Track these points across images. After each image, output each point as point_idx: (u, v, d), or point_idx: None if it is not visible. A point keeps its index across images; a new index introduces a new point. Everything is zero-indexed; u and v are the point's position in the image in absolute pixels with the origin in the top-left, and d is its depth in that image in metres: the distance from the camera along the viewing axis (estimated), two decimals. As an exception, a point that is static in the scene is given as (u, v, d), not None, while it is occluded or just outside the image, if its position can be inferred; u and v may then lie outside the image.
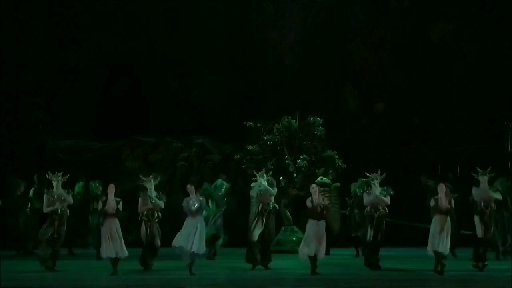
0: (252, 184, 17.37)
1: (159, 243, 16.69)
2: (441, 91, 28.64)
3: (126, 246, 16.09)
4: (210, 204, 19.11)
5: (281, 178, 21.06)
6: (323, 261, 15.92)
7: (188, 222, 15.57)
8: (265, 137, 22.53)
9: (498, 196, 16.69)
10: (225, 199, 19.87)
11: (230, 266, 17.69)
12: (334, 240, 20.15)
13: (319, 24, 30.29)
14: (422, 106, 28.75)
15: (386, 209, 16.52)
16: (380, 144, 27.45)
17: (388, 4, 29.96)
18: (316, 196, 15.78)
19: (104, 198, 16.12)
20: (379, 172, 16.70)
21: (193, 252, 15.38)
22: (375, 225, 16.38)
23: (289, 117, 22.70)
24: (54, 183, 16.73)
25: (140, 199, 16.70)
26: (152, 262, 16.83)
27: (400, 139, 27.44)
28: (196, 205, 15.60)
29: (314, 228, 15.58)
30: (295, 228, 21.33)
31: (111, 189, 16.06)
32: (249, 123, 22.75)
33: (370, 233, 16.42)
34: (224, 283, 15.11)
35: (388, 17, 29.97)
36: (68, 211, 16.80)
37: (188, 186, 16.04)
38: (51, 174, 16.83)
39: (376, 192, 16.47)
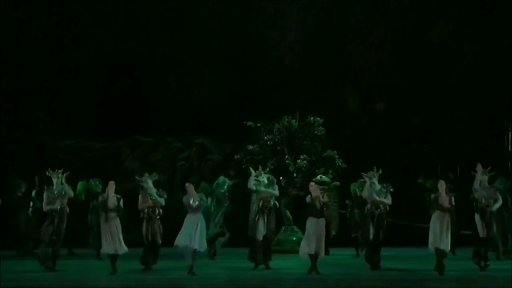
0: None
1: (159, 241, 16.69)
2: (441, 91, 28.64)
3: (126, 246, 16.08)
4: (209, 202, 19.11)
5: (281, 178, 21.06)
6: (323, 261, 15.92)
7: (188, 220, 15.57)
8: (265, 137, 22.53)
9: (498, 203, 16.62)
10: (226, 194, 19.89)
11: (230, 266, 17.69)
12: (334, 240, 20.17)
13: (319, 24, 30.30)
14: (422, 106, 28.75)
15: (387, 206, 16.52)
16: (380, 144, 27.45)
17: (388, 4, 29.97)
18: (316, 194, 15.76)
19: (104, 194, 16.13)
20: (375, 169, 16.72)
21: (195, 250, 15.39)
22: (376, 222, 16.38)
23: (289, 117, 22.71)
24: (54, 180, 16.76)
25: (140, 196, 16.72)
26: (154, 262, 16.81)
27: (400, 139, 27.44)
28: (196, 202, 15.63)
29: (314, 226, 15.58)
30: (295, 228, 21.33)
31: (111, 186, 16.08)
32: (249, 123, 22.77)
33: (372, 231, 16.41)
34: (224, 283, 15.10)
35: (388, 17, 29.98)
36: (67, 208, 16.81)
37: (187, 184, 16.05)
38: (51, 171, 16.86)
39: (376, 189, 16.49)
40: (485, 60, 28.24)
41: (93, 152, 27.45)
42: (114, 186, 16.10)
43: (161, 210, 16.72)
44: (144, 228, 16.68)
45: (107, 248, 15.85)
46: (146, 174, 16.95)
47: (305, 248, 15.57)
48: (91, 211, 20.43)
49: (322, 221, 15.72)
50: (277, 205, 17.57)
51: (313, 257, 15.56)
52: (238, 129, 23.50)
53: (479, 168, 16.35)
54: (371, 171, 16.76)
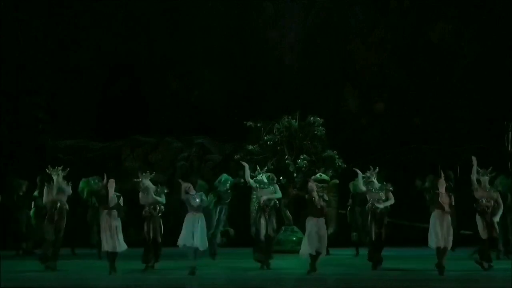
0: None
1: (159, 239, 16.69)
2: (441, 91, 28.64)
3: (127, 246, 16.08)
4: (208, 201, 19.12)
5: (281, 178, 21.06)
6: (323, 261, 15.91)
7: (188, 220, 15.57)
8: (265, 137, 22.54)
9: (500, 210, 16.59)
10: (229, 191, 19.91)
11: (230, 266, 17.69)
12: (334, 240, 20.16)
13: (319, 24, 30.30)
14: (422, 106, 28.75)
15: (388, 206, 16.52)
16: (380, 144, 27.45)
17: (388, 4, 29.97)
18: (315, 193, 15.75)
19: (103, 190, 16.14)
20: (372, 169, 16.75)
21: (197, 248, 15.41)
22: (377, 221, 16.38)
23: (289, 117, 22.72)
24: (54, 177, 16.79)
25: (140, 193, 16.73)
26: (155, 260, 16.81)
27: (400, 139, 27.44)
28: (197, 200, 15.64)
29: (315, 225, 15.55)
30: (295, 228, 21.33)
31: (111, 184, 16.09)
32: (249, 123, 22.78)
33: (374, 229, 16.40)
34: (224, 283, 15.10)
35: (388, 17, 29.98)
36: (67, 205, 16.83)
37: (186, 184, 16.04)
38: (51, 169, 16.89)
39: (375, 187, 16.51)
40: (485, 60, 28.23)
41: (93, 152, 27.45)
42: (114, 184, 16.11)
43: (162, 207, 16.73)
44: (145, 227, 16.69)
45: (105, 245, 15.86)
46: (143, 174, 16.95)
47: (307, 249, 15.53)
48: (91, 209, 20.46)
49: (322, 220, 15.71)
50: (277, 204, 17.58)
51: (314, 257, 15.54)
52: (238, 129, 23.51)
53: (474, 161, 16.31)
54: (368, 171, 16.80)
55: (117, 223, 15.90)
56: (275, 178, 17.80)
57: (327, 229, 15.99)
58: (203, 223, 15.66)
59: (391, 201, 16.54)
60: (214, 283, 15.13)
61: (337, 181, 22.30)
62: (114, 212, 15.91)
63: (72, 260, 19.02)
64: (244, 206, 21.46)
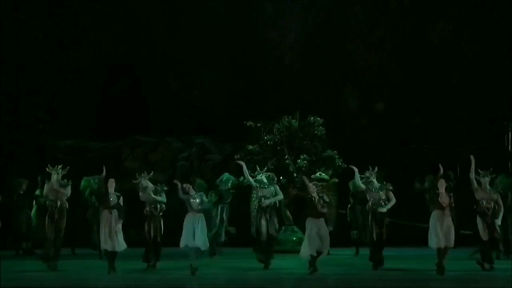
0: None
1: (159, 238, 16.69)
2: (441, 91, 28.64)
3: (127, 246, 16.08)
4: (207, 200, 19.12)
5: (281, 178, 21.06)
6: (323, 261, 15.90)
7: (188, 220, 15.57)
8: (265, 137, 22.55)
9: (501, 213, 16.59)
10: (230, 191, 19.91)
11: (230, 266, 17.69)
12: (334, 240, 20.14)
13: (319, 24, 30.29)
14: (422, 106, 28.75)
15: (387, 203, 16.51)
16: (380, 144, 27.44)
17: (388, 4, 29.96)
18: (315, 194, 15.74)
19: (104, 190, 16.15)
20: (370, 169, 16.75)
21: (199, 248, 15.43)
22: (378, 220, 16.37)
23: (289, 117, 22.72)
24: (54, 176, 16.79)
25: (140, 192, 16.75)
26: (156, 259, 16.80)
27: (400, 139, 27.44)
28: (197, 201, 15.64)
29: (315, 227, 15.53)
30: (295, 228, 21.32)
31: (111, 183, 16.10)
32: (249, 123, 22.78)
33: (374, 230, 16.39)
34: (224, 283, 15.11)
35: (388, 17, 29.97)
36: (67, 204, 16.84)
37: (185, 185, 16.04)
38: (51, 167, 16.90)
39: (375, 187, 16.52)
40: (485, 60, 28.23)
41: (93, 152, 27.44)
42: (114, 184, 16.11)
43: (163, 206, 16.72)
44: (146, 226, 16.68)
45: (104, 244, 15.83)
46: (141, 175, 16.95)
47: (307, 250, 15.49)
48: (91, 208, 20.46)
49: (322, 220, 15.69)
50: (277, 204, 17.57)
51: (314, 257, 15.51)
52: (238, 129, 23.51)
53: (473, 160, 16.30)
54: (367, 171, 16.80)
55: (117, 222, 15.89)
56: (275, 178, 17.79)
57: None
58: (203, 223, 15.67)
59: (393, 201, 16.53)
60: (214, 283, 15.13)
61: (337, 180, 22.30)
62: (114, 212, 15.92)
63: (72, 260, 19.01)
64: (244, 206, 21.45)
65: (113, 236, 15.76)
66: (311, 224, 15.57)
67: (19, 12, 28.51)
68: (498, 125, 25.61)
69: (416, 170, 22.95)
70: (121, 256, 16.18)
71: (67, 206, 16.86)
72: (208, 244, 15.97)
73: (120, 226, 15.93)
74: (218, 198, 19.68)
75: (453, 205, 15.79)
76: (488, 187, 16.43)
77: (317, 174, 21.35)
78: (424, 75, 28.99)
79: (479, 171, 16.49)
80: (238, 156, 22.37)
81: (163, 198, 16.69)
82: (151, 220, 16.64)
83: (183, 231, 15.53)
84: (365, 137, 28.50)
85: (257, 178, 17.22)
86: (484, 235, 16.25)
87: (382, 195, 16.54)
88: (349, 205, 21.19)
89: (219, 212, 19.64)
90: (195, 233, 15.44)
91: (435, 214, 15.50)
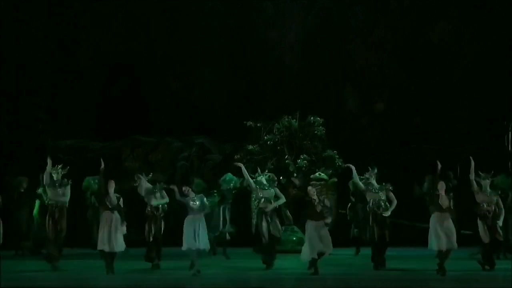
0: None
1: (160, 238, 16.69)
2: (441, 91, 28.63)
3: (127, 246, 16.07)
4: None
5: (281, 178, 21.06)
6: (323, 261, 15.88)
7: (188, 222, 15.54)
8: (265, 137, 22.55)
9: (502, 216, 16.58)
10: (233, 191, 19.92)
11: (230, 266, 17.69)
12: (334, 240, 20.12)
13: (319, 24, 30.29)
14: (422, 106, 28.74)
15: (388, 205, 16.50)
16: (380, 144, 27.44)
17: (388, 4, 29.96)
18: (315, 197, 15.72)
19: (104, 191, 16.13)
20: (370, 170, 16.75)
21: (201, 249, 15.42)
22: (379, 222, 16.36)
23: (289, 117, 22.72)
24: (54, 176, 16.78)
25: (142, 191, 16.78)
26: (158, 261, 16.80)
27: (400, 139, 27.43)
28: (197, 203, 15.61)
29: (314, 229, 15.50)
30: (295, 228, 21.32)
31: (111, 184, 16.08)
32: (249, 123, 22.79)
33: (376, 231, 16.38)
34: (225, 283, 15.11)
35: (388, 17, 29.97)
36: (67, 203, 16.84)
37: (184, 188, 16.03)
38: (51, 167, 16.89)
39: (375, 187, 16.52)
40: (485, 60, 28.23)
41: (93, 152, 27.43)
42: (114, 185, 16.09)
43: (166, 206, 16.71)
44: (146, 226, 16.67)
45: (101, 244, 15.78)
46: (140, 177, 16.93)
47: (308, 253, 15.45)
48: (91, 209, 20.45)
49: (322, 223, 15.65)
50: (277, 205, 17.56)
51: (315, 260, 15.47)
52: (238, 129, 23.51)
53: (472, 161, 16.30)
54: (367, 172, 16.81)
55: (117, 223, 15.85)
56: (275, 179, 17.77)
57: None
58: (203, 225, 15.63)
59: (395, 202, 16.52)
60: (215, 283, 15.14)
61: (336, 180, 22.30)
62: (115, 213, 15.88)
63: (72, 260, 19.00)
64: (244, 206, 21.45)
65: (112, 237, 15.70)
66: (310, 226, 15.54)
67: (19, 12, 28.52)
68: (498, 125, 25.59)
69: (416, 170, 22.95)
70: (121, 256, 16.17)
71: (67, 205, 16.85)
72: (209, 244, 15.94)
73: (124, 228, 15.89)
74: (220, 198, 19.68)
75: (452, 207, 15.76)
76: (488, 189, 16.43)
77: (316, 174, 21.36)
78: (424, 75, 28.99)
79: (480, 173, 16.48)
80: (238, 156, 22.39)
81: (165, 199, 16.66)
82: (152, 220, 16.64)
83: (184, 234, 15.50)
84: (365, 137, 28.49)
85: (257, 179, 17.20)
86: (485, 237, 16.24)
87: (382, 195, 16.53)
88: (350, 204, 21.18)
89: (221, 212, 19.64)
90: (195, 235, 15.42)
91: (435, 216, 15.48)
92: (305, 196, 15.96)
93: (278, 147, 22.41)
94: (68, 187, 16.87)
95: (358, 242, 20.57)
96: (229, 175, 20.16)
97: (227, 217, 19.82)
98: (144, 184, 16.86)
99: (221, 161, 26.65)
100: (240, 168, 17.32)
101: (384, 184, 16.64)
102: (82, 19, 29.87)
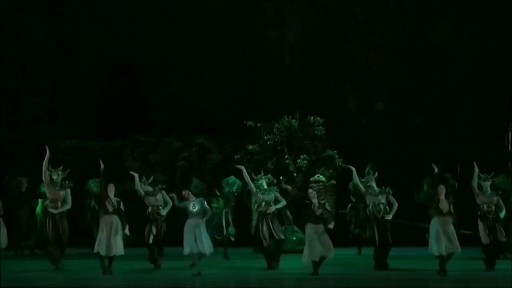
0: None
1: (160, 240, 16.69)
2: (441, 91, 28.64)
3: (127, 247, 16.06)
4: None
5: (281, 177, 21.06)
6: (325, 262, 15.86)
7: (188, 226, 15.49)
8: (265, 137, 22.55)
9: (503, 212, 16.58)
10: (235, 195, 19.91)
11: (231, 266, 17.69)
12: (334, 240, 20.13)
13: (319, 24, 30.31)
14: (422, 106, 28.75)
15: (388, 208, 16.50)
16: (380, 144, 27.45)
17: (388, 4, 29.98)
18: (315, 200, 15.70)
19: (104, 192, 16.09)
20: (371, 173, 16.74)
21: (203, 253, 15.40)
22: (380, 225, 16.35)
23: (289, 116, 22.72)
24: (54, 178, 16.73)
25: (144, 198, 16.76)
26: (160, 261, 16.81)
27: (400, 139, 27.44)
28: (196, 208, 15.57)
29: (314, 233, 15.47)
30: (295, 228, 21.31)
31: (111, 188, 16.04)
32: (249, 123, 22.80)
33: (377, 234, 16.37)
34: (225, 282, 15.11)
35: (388, 17, 29.99)
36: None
37: (184, 192, 16.00)
38: (51, 169, 16.85)
39: (375, 191, 16.52)
40: (485, 60, 28.23)
41: (93, 152, 27.44)
42: (113, 189, 16.04)
43: (169, 206, 16.67)
44: (147, 228, 16.65)
45: (97, 246, 15.74)
46: (141, 180, 16.91)
47: (309, 256, 15.43)
48: (90, 211, 20.43)
49: (321, 226, 15.61)
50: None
51: (317, 263, 15.45)
52: (238, 129, 23.52)
53: (476, 168, 16.32)
54: (367, 175, 16.81)
55: (118, 227, 15.79)
56: (275, 182, 17.75)
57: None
58: (204, 228, 15.59)
59: (395, 206, 16.51)
60: (215, 283, 15.13)
61: (334, 182, 22.29)
62: (115, 217, 15.83)
63: (73, 260, 18.99)
64: (244, 206, 21.45)
65: (111, 241, 15.62)
66: (310, 229, 15.51)
67: (19, 12, 28.54)
68: (498, 125, 25.60)
69: (416, 170, 22.95)
70: (121, 256, 16.14)
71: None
72: (212, 248, 15.86)
73: (120, 230, 15.81)
74: (224, 202, 19.69)
75: (452, 211, 15.74)
76: (489, 190, 16.43)
77: (316, 176, 21.35)
78: (424, 75, 29.00)
79: (480, 174, 16.48)
80: (238, 156, 22.40)
81: (169, 204, 16.60)
82: (153, 223, 16.62)
83: (185, 239, 15.45)
84: (365, 137, 28.50)
85: (257, 182, 17.17)
86: (485, 239, 16.23)
87: (382, 199, 16.52)
88: (350, 204, 21.17)
89: (223, 216, 19.64)
90: (196, 238, 15.39)
91: (435, 220, 15.42)
92: (305, 197, 15.94)
93: (278, 147, 22.41)
94: (69, 192, 16.77)
95: (359, 242, 20.55)
96: (232, 178, 20.14)
97: (230, 220, 19.81)
98: (145, 188, 16.82)
99: (221, 161, 26.66)
100: (240, 169, 17.30)
101: (384, 187, 16.62)
102: (82, 19, 29.89)
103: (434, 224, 15.41)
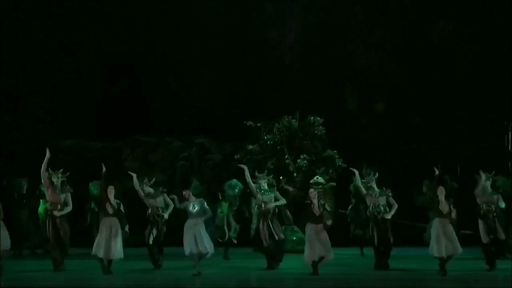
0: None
1: (161, 240, 16.71)
2: (441, 91, 28.64)
3: (127, 247, 16.06)
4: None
5: (281, 177, 21.06)
6: (324, 262, 15.86)
7: (188, 227, 15.49)
8: (265, 137, 22.55)
9: (502, 204, 16.60)
10: (237, 198, 19.91)
11: (231, 266, 17.70)
12: (334, 240, 20.12)
13: (319, 24, 30.31)
14: (422, 106, 28.75)
15: (388, 209, 16.51)
16: (380, 144, 27.45)
17: (388, 4, 29.98)
18: (315, 201, 15.70)
19: (104, 194, 16.08)
20: (372, 173, 16.75)
21: (204, 253, 15.39)
22: (380, 226, 16.34)
23: (289, 116, 22.72)
24: (54, 180, 16.70)
25: (144, 199, 16.74)
26: (161, 261, 16.81)
27: (400, 139, 27.44)
28: (196, 208, 15.57)
29: (313, 233, 15.47)
30: (295, 228, 21.31)
31: (111, 190, 16.03)
32: (249, 123, 22.80)
33: (376, 235, 16.36)
34: (225, 282, 15.11)
35: (388, 17, 29.98)
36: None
37: (184, 192, 16.00)
38: (51, 172, 16.82)
39: (375, 192, 16.52)
40: (485, 60, 28.23)
41: (93, 152, 27.45)
42: (113, 191, 16.02)
43: (171, 208, 16.66)
44: (148, 229, 16.64)
45: (96, 249, 15.72)
46: (143, 181, 16.90)
47: (310, 256, 15.44)
48: (90, 213, 20.43)
49: (321, 226, 15.62)
50: (277, 209, 17.53)
51: (316, 262, 15.46)
52: (238, 129, 23.51)
53: (481, 174, 16.32)
54: (368, 176, 16.81)
55: (117, 230, 15.78)
56: (275, 184, 17.74)
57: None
58: (203, 228, 15.59)
59: (395, 207, 16.52)
60: (215, 283, 15.13)
61: (334, 184, 22.28)
62: (114, 219, 15.82)
63: (72, 260, 18.98)
64: (244, 206, 21.44)
65: (111, 243, 15.60)
66: (310, 229, 15.52)
67: (19, 12, 28.53)
68: (498, 125, 25.59)
69: (416, 170, 22.96)
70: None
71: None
72: (213, 248, 15.83)
73: (119, 233, 15.79)
74: (228, 205, 19.72)
75: (451, 211, 15.74)
76: (489, 189, 16.43)
77: (315, 178, 21.36)
78: (424, 75, 28.99)
79: (481, 173, 16.48)
80: (238, 156, 22.40)
81: (170, 206, 16.58)
82: (153, 224, 16.61)
83: (185, 239, 15.45)
84: (365, 137, 28.50)
85: (257, 181, 17.15)
86: (485, 238, 16.24)
87: (382, 200, 16.53)
88: (351, 206, 21.15)
89: (225, 220, 19.65)
90: (196, 239, 15.39)
91: (436, 222, 15.44)
92: (305, 197, 15.94)
93: (278, 147, 22.41)
94: (69, 195, 16.73)
95: (362, 243, 20.52)
96: (234, 181, 20.15)
97: (231, 222, 19.81)
98: (147, 189, 16.81)
99: (221, 161, 26.66)
100: (240, 168, 17.29)
101: (384, 189, 16.63)
102: (82, 19, 29.88)
103: (434, 225, 15.43)
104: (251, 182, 17.02)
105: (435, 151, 25.84)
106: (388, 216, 16.39)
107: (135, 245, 18.13)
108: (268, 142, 22.43)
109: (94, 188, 20.43)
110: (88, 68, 29.90)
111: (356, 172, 16.86)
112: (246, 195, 19.99)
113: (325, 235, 15.49)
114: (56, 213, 16.40)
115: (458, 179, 20.78)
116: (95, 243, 15.71)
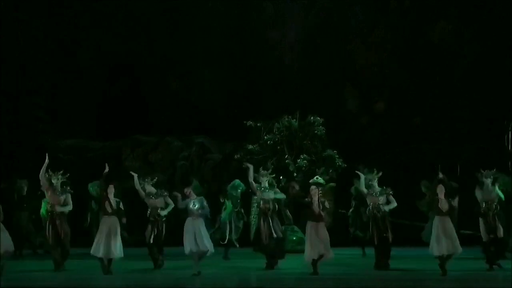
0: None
1: (162, 240, 16.72)
2: (441, 91, 28.64)
3: (127, 247, 16.06)
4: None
5: (281, 177, 21.06)
6: (324, 261, 15.87)
7: (188, 226, 15.50)
8: (265, 137, 22.56)
9: (501, 194, 16.62)
10: (239, 200, 19.90)
11: (231, 266, 17.70)
12: (334, 240, 20.12)
13: (319, 24, 30.31)
14: (422, 106, 28.74)
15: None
16: (380, 144, 27.45)
17: (388, 4, 29.97)
18: (316, 198, 15.70)
19: (104, 193, 16.08)
20: (375, 171, 16.75)
21: (204, 251, 15.40)
22: (380, 224, 16.34)
23: (289, 116, 22.72)
24: (54, 181, 16.69)
25: (145, 199, 16.74)
26: (162, 261, 16.81)
27: (400, 139, 27.44)
28: (196, 206, 15.59)
29: (314, 231, 15.48)
30: (295, 228, 21.31)
31: (111, 189, 16.04)
32: (249, 123, 22.81)
33: (376, 234, 16.36)
34: (225, 282, 15.12)
35: (388, 17, 29.98)
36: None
37: (186, 189, 16.01)
38: (51, 173, 16.81)
39: (376, 191, 16.51)
40: (485, 60, 28.22)
41: (93, 152, 27.46)
42: (113, 190, 16.04)
43: (171, 207, 16.65)
44: (148, 229, 16.64)
45: (94, 249, 15.72)
46: (145, 180, 16.90)
47: (310, 254, 15.44)
48: (90, 213, 20.43)
49: (322, 224, 15.63)
50: (276, 206, 17.55)
51: (315, 261, 15.46)
52: (238, 129, 23.52)
53: (485, 180, 16.34)
54: (370, 174, 16.80)
55: (117, 229, 15.78)
56: (275, 184, 17.75)
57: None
58: (203, 227, 15.60)
59: (394, 203, 16.53)
60: (215, 283, 15.14)
61: (334, 185, 22.27)
62: (114, 218, 15.83)
63: (72, 260, 18.98)
64: (244, 206, 21.45)
65: (111, 243, 15.61)
66: (310, 227, 15.53)
67: (19, 12, 28.53)
68: (498, 125, 25.61)
69: (416, 170, 22.95)
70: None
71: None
72: (212, 246, 15.84)
73: (119, 232, 15.78)
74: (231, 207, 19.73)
75: (452, 209, 15.74)
76: (490, 187, 16.44)
77: (314, 178, 21.36)
78: (424, 75, 28.99)
79: (482, 171, 16.49)
80: (238, 156, 22.40)
81: (170, 205, 16.58)
82: (154, 225, 16.61)
83: (185, 238, 15.47)
84: (365, 137, 28.50)
85: (260, 178, 17.16)
86: (485, 236, 16.24)
87: (382, 200, 16.54)
88: (352, 209, 21.14)
89: (227, 222, 19.65)
90: (196, 237, 15.39)
91: (435, 220, 15.45)
92: (305, 197, 15.94)
93: (278, 147, 22.42)
94: (69, 196, 16.72)
95: (363, 243, 20.51)
96: (237, 181, 20.15)
97: (233, 224, 19.81)
98: (148, 188, 16.81)
99: (221, 161, 26.66)
100: (240, 167, 17.29)
101: (385, 188, 16.64)
102: (82, 19, 29.88)
103: (434, 224, 15.44)
104: (253, 182, 17.02)
105: (435, 151, 25.83)
106: (386, 208, 16.39)
107: (135, 245, 18.12)
108: (268, 142, 22.44)
109: (93, 189, 20.42)
110: (88, 68, 29.90)
111: (362, 176, 16.81)
112: (246, 196, 19.98)
113: (325, 233, 15.50)
114: (57, 208, 16.37)
115: (458, 179, 20.75)
116: (94, 243, 15.72)
